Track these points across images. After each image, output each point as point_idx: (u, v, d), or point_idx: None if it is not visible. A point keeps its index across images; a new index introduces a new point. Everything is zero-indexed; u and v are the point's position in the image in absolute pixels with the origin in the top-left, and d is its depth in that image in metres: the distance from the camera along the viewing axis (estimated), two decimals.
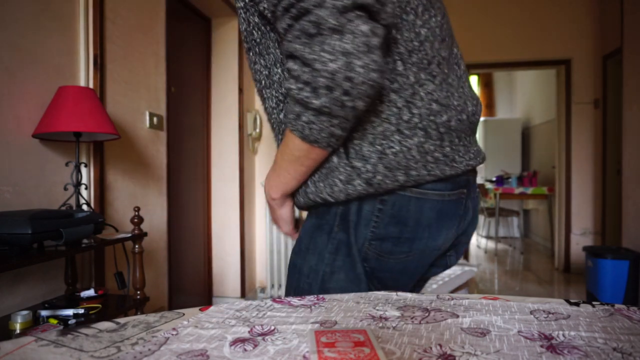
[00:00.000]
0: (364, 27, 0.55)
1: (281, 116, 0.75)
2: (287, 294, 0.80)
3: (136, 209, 1.66)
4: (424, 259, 0.77)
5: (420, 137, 0.68)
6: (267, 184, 0.76)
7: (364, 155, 0.67)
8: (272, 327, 0.51)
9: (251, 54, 0.75)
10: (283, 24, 0.60)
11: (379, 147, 0.67)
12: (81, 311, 1.39)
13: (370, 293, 0.65)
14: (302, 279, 0.78)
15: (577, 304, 0.57)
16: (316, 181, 0.72)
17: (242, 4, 0.71)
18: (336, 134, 0.63)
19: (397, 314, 0.55)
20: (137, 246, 1.66)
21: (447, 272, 2.93)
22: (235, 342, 0.46)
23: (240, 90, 3.13)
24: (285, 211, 0.81)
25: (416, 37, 0.68)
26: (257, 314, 0.56)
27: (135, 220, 1.64)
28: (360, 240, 0.73)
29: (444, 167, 0.70)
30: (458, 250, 0.85)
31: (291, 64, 0.59)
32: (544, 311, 0.55)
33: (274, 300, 0.62)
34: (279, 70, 0.72)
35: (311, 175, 0.73)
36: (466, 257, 4.17)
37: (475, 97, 0.80)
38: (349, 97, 0.57)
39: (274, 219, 0.84)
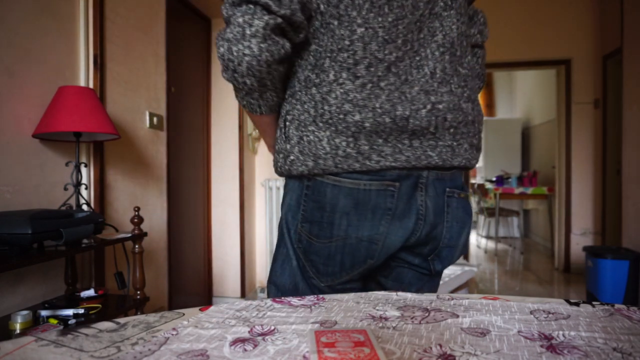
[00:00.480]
0: (240, 19, 0.65)
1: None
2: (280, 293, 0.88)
3: (136, 209, 1.66)
4: (352, 249, 0.78)
5: (331, 131, 0.74)
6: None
7: (289, 136, 0.78)
8: (272, 327, 0.51)
9: None
10: None
11: (299, 133, 0.77)
12: (81, 311, 1.39)
13: (370, 293, 0.65)
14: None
15: (577, 304, 0.57)
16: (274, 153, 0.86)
17: None
18: (252, 102, 0.78)
19: (397, 314, 0.55)
20: (137, 246, 1.66)
21: (447, 272, 2.93)
22: (235, 342, 0.46)
23: None
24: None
25: (349, 36, 0.71)
26: (257, 314, 0.56)
27: (135, 220, 1.64)
28: (295, 222, 0.82)
29: (353, 163, 0.74)
30: (441, 255, 0.84)
31: None
32: (544, 311, 0.55)
33: (274, 300, 0.62)
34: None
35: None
36: (466, 257, 4.17)
37: (437, 101, 0.76)
38: (237, 74, 0.70)
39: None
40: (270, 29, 0.66)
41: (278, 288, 0.85)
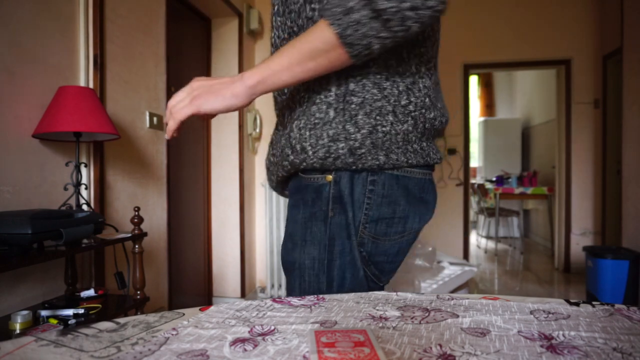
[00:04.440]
0: None
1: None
2: (291, 294, 0.77)
3: (136, 209, 1.66)
4: (413, 239, 0.79)
5: (409, 125, 0.70)
6: (246, 72, 0.66)
7: (358, 122, 0.68)
8: (272, 327, 0.51)
9: None
10: None
11: (372, 121, 0.68)
12: (81, 311, 1.39)
13: (370, 293, 0.65)
14: (306, 273, 0.74)
15: (577, 304, 0.57)
16: (302, 127, 0.71)
17: None
18: (373, 48, 0.61)
19: (397, 314, 0.55)
20: (137, 246, 1.66)
21: (447, 272, 2.93)
22: (235, 342, 0.46)
23: None
24: (227, 100, 0.65)
25: (425, 31, 0.71)
26: (257, 314, 0.56)
27: (135, 220, 1.64)
28: (355, 224, 0.72)
29: (420, 159, 0.73)
30: None
31: None
32: (544, 311, 0.55)
33: (274, 300, 0.62)
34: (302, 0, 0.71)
35: (298, 120, 0.72)
36: (466, 257, 4.17)
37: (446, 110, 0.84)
38: (413, 12, 0.56)
39: (196, 97, 0.66)
40: None
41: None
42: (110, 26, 1.88)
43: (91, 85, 1.75)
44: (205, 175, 3.07)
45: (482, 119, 6.69)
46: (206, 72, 3.09)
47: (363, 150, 0.68)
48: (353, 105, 0.68)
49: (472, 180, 6.50)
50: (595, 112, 3.94)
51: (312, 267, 0.74)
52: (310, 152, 0.70)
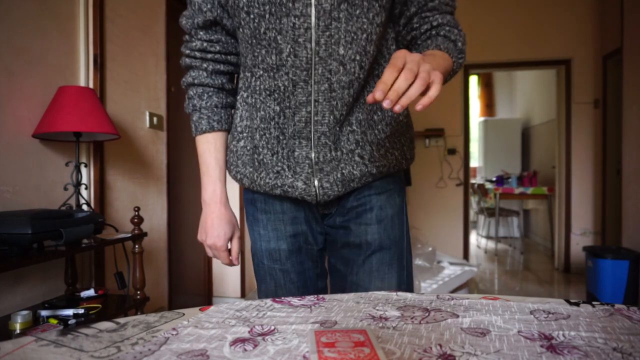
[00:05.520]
0: None
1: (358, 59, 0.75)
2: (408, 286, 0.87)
3: (136, 209, 1.66)
4: None
5: None
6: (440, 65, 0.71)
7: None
8: (272, 327, 0.51)
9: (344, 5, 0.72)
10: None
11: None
12: (81, 311, 1.39)
13: (370, 293, 0.65)
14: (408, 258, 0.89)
15: (577, 304, 0.57)
16: (404, 145, 0.86)
17: None
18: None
19: (397, 314, 0.55)
20: (137, 246, 1.66)
21: (447, 272, 2.93)
22: (235, 342, 0.46)
23: None
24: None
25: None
26: (257, 314, 0.56)
27: (135, 220, 1.64)
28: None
29: None
30: None
31: (456, 28, 0.80)
32: (544, 311, 0.55)
33: (274, 300, 0.62)
34: (376, 29, 0.76)
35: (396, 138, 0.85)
36: (466, 257, 4.17)
37: None
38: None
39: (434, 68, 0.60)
40: None
41: None
42: (110, 26, 1.88)
43: (91, 85, 1.75)
44: None
45: (482, 119, 6.69)
46: None
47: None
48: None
49: (472, 180, 6.50)
50: (595, 112, 3.94)
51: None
52: (404, 163, 0.89)
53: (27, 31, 1.50)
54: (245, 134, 0.82)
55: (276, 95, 0.76)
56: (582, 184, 4.00)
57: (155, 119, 2.20)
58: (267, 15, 0.72)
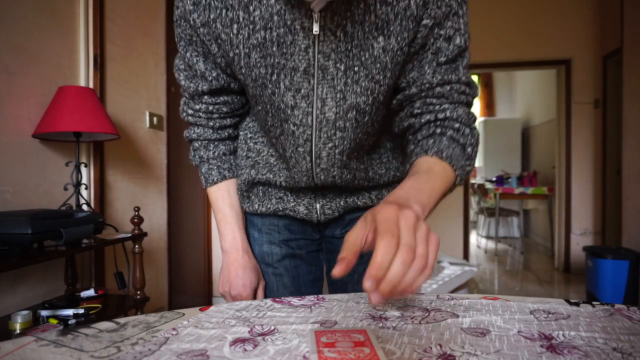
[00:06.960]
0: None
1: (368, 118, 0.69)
2: None
3: (136, 209, 1.66)
4: None
5: None
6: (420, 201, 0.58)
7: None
8: (272, 327, 0.51)
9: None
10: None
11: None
12: (81, 311, 1.39)
13: None
14: None
15: (577, 304, 0.57)
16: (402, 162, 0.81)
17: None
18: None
19: (397, 314, 0.55)
20: (137, 246, 1.66)
21: (447, 272, 2.93)
22: (235, 342, 0.46)
23: None
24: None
25: None
26: (257, 314, 0.56)
27: (135, 220, 1.64)
28: None
29: None
30: None
31: (469, 127, 0.67)
32: (544, 311, 0.55)
33: (274, 300, 0.62)
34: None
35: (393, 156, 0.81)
36: (466, 257, 4.17)
37: None
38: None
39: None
40: None
41: None
42: (110, 26, 1.88)
43: (91, 85, 1.75)
44: None
45: (482, 119, 6.69)
46: None
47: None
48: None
49: (472, 180, 6.50)
50: (595, 112, 3.94)
51: None
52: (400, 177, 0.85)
53: (27, 31, 1.50)
54: (246, 169, 0.82)
55: (280, 152, 0.75)
56: (582, 184, 4.00)
57: (155, 119, 2.21)
58: (270, 112, 0.68)
